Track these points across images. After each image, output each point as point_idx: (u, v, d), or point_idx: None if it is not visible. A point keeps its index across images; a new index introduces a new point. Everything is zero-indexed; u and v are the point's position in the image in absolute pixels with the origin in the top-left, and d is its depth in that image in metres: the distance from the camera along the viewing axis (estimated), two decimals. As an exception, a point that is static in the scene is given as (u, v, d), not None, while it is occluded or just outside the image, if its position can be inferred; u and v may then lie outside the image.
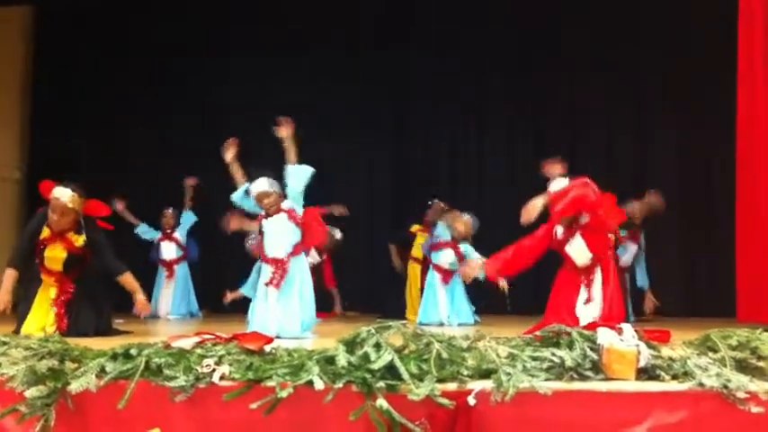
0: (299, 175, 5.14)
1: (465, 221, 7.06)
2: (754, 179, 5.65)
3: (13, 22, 9.52)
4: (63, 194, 5.02)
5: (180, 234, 8.30)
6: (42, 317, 5.04)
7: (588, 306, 4.75)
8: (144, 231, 8.26)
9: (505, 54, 8.81)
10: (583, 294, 4.78)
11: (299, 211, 5.18)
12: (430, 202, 7.78)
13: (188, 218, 8.30)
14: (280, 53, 9.07)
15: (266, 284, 5.06)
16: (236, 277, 5.51)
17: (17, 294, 5.21)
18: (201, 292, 8.29)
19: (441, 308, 6.92)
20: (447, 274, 7.01)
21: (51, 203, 5.03)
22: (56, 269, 5.12)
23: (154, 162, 9.31)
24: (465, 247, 6.98)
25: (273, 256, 5.10)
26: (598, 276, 4.81)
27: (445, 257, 7.04)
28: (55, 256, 5.10)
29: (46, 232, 5.12)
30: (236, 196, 5.36)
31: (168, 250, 8.27)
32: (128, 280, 5.26)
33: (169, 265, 8.24)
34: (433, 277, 7.07)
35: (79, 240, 5.13)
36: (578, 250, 4.86)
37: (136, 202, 8.35)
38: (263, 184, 5.19)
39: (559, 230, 4.95)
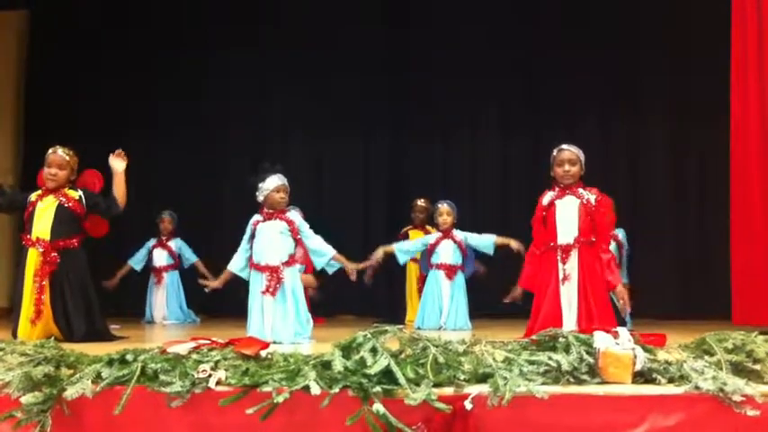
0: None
1: (447, 210, 7.00)
2: (747, 181, 5.64)
3: (7, 25, 9.48)
4: (61, 149, 5.20)
5: (174, 245, 8.24)
6: (33, 313, 4.97)
7: (566, 285, 4.73)
8: (138, 262, 8.19)
9: (502, 53, 8.83)
10: (560, 272, 4.76)
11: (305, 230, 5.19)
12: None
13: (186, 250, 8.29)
14: (280, 52, 9.09)
15: (262, 293, 5.01)
16: (237, 281, 5.52)
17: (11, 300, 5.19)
18: (198, 297, 8.27)
19: (443, 309, 6.79)
20: (450, 270, 6.88)
21: (48, 159, 5.15)
22: (42, 237, 5.05)
23: (151, 166, 9.30)
24: (457, 233, 6.93)
25: (267, 263, 5.06)
26: (574, 256, 4.79)
27: (445, 250, 6.93)
28: (45, 210, 5.09)
29: (36, 194, 5.17)
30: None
31: (159, 257, 8.20)
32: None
33: (158, 272, 8.16)
34: (434, 280, 6.91)
35: (75, 194, 5.17)
36: (567, 218, 4.84)
37: (132, 207, 8.33)
38: (281, 178, 5.16)
39: (547, 199, 4.92)
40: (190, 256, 8.22)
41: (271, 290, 4.98)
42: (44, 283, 4.97)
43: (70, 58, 9.25)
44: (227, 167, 9.17)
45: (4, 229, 8.52)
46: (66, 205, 5.13)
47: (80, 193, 5.21)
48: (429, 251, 7.01)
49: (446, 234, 6.95)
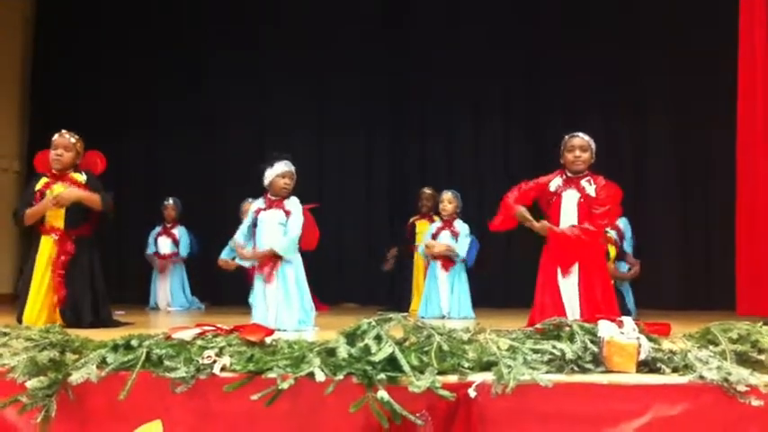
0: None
1: (448, 198, 7.09)
2: (754, 171, 5.64)
3: (12, 12, 9.45)
4: (67, 132, 5.22)
5: (179, 233, 8.24)
6: (41, 299, 4.99)
7: (567, 278, 4.72)
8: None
9: (502, 53, 8.84)
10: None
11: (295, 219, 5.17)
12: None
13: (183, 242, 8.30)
14: (280, 52, 9.11)
15: (264, 281, 5.01)
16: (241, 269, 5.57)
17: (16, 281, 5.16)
18: (203, 284, 8.27)
19: (442, 299, 6.85)
20: (446, 260, 6.92)
21: (54, 142, 5.17)
22: (57, 225, 5.07)
23: (151, 166, 9.31)
24: (458, 224, 7.01)
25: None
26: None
27: (443, 240, 6.97)
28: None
29: (42, 182, 5.17)
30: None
31: (164, 245, 8.22)
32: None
33: (163, 260, 8.17)
34: (433, 270, 6.97)
35: (81, 177, 5.17)
36: (569, 213, 4.82)
37: (134, 195, 8.34)
38: (287, 165, 5.17)
39: (554, 184, 4.91)
40: (182, 250, 8.24)
41: (266, 275, 4.99)
42: (60, 272, 5.00)
43: (75, 44, 9.27)
44: (227, 167, 9.16)
45: (6, 215, 8.49)
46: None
47: (85, 177, 5.22)
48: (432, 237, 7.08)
49: (446, 224, 7.03)
